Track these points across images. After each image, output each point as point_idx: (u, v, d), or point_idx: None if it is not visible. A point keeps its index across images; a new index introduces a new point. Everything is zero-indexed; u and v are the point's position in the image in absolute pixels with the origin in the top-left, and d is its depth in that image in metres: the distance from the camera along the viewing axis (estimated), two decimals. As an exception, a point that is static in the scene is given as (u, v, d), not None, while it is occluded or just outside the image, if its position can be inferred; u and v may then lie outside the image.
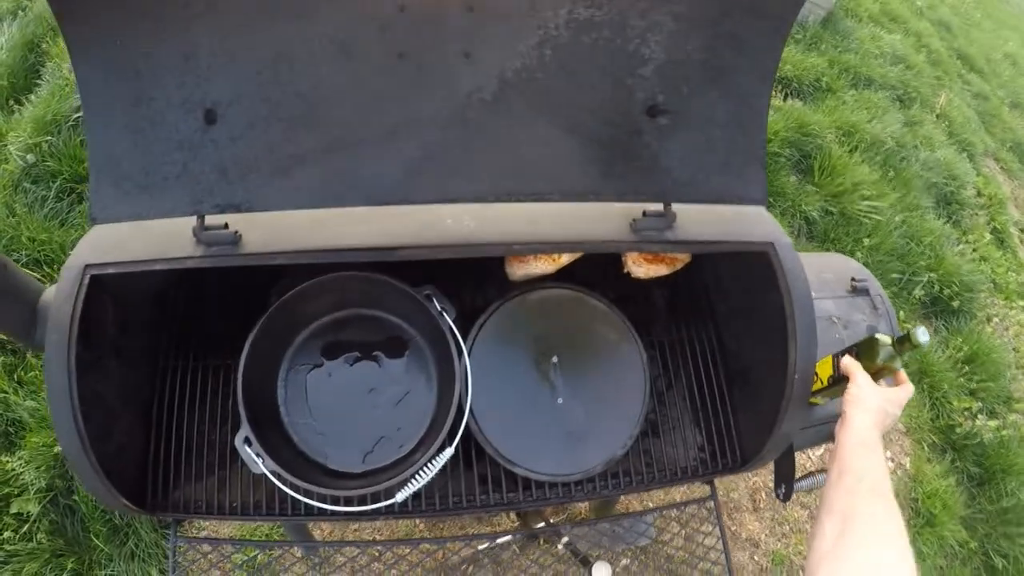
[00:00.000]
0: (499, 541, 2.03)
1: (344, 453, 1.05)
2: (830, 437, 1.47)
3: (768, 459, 1.13)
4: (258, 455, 0.94)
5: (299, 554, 1.53)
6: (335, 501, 0.97)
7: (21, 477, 2.06)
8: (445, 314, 0.99)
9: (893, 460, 2.82)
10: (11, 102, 3.09)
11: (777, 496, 1.37)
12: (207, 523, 2.05)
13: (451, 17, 0.76)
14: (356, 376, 1.08)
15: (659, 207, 0.97)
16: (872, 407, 0.99)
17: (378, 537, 2.16)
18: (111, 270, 0.89)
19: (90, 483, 0.93)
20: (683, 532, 1.37)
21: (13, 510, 2.03)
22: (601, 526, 1.80)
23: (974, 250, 3.80)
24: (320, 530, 2.09)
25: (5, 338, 2.42)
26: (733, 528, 2.40)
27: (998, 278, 3.83)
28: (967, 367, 3.13)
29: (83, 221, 2.64)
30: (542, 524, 2.02)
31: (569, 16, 0.80)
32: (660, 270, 1.23)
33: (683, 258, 1.25)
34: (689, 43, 0.87)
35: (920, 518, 2.70)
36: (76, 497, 2.05)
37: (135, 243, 0.91)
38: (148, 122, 0.82)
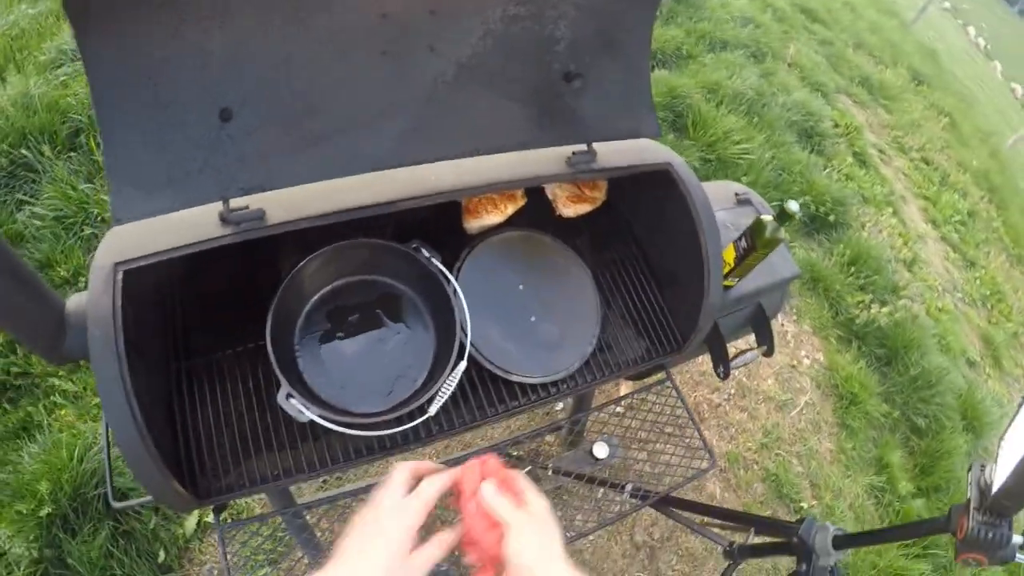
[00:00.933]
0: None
1: (368, 398, 1.21)
2: (745, 324, 1.79)
3: (703, 331, 1.41)
4: (303, 405, 1.08)
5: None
6: (372, 428, 1.14)
7: (7, 552, 1.99)
8: (433, 259, 1.21)
9: (808, 357, 3.22)
10: None
11: (717, 375, 1.66)
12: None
13: (419, 20, 0.99)
14: (361, 334, 1.26)
15: (583, 147, 1.24)
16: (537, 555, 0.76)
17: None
18: (143, 263, 0.97)
19: (150, 476, 0.97)
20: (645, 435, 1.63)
21: (5, 588, 1.98)
22: (577, 454, 2.05)
23: (840, 172, 4.33)
24: (301, 492, 2.19)
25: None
26: (686, 440, 2.72)
27: (865, 192, 4.38)
28: (853, 267, 3.61)
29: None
30: (529, 467, 2.26)
31: (503, 13, 1.06)
32: (585, 208, 1.51)
33: (600, 196, 1.53)
34: (588, 25, 1.16)
35: (844, 401, 3.11)
36: (71, 561, 2.01)
37: (158, 236, 1.00)
38: (166, 125, 0.91)
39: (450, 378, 1.16)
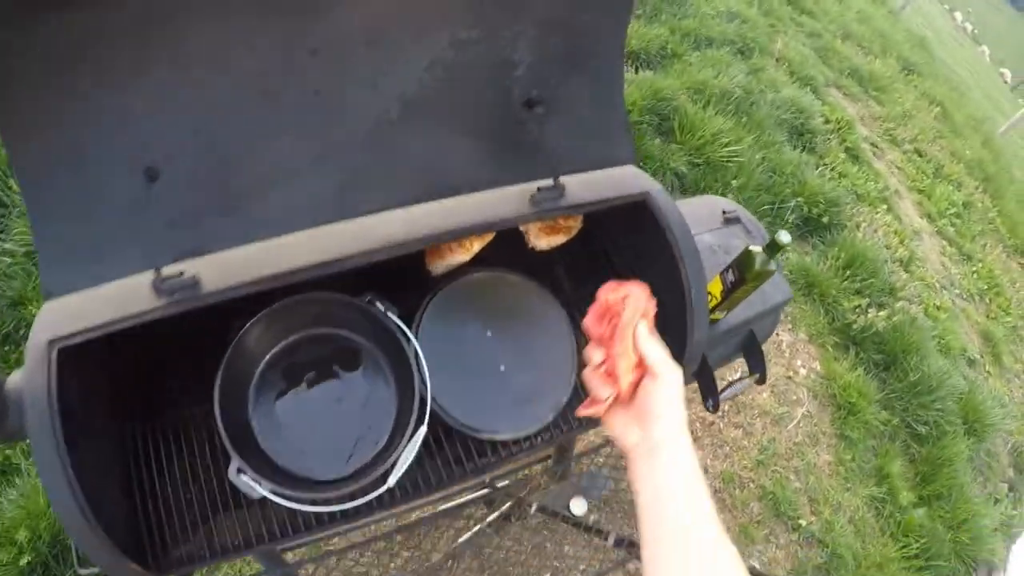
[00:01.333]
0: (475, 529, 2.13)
1: (328, 463, 1.12)
2: (736, 351, 1.69)
3: (688, 371, 1.31)
4: (255, 480, 1.00)
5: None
6: (328, 502, 1.06)
7: None
8: (389, 313, 1.11)
9: (804, 367, 3.13)
10: None
11: (707, 408, 1.57)
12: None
13: (354, 54, 0.89)
14: (319, 392, 1.16)
15: (549, 182, 1.13)
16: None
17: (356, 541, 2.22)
18: (77, 339, 0.90)
19: (102, 557, 0.92)
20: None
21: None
22: (563, 486, 1.96)
23: (832, 169, 4.23)
24: (293, 555, 2.09)
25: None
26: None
27: (859, 189, 4.28)
28: (848, 271, 3.51)
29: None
30: (510, 503, 2.16)
31: (452, 38, 0.96)
32: (559, 239, 1.40)
33: (576, 224, 1.42)
34: (550, 43, 1.05)
35: (842, 410, 3.02)
36: None
37: (93, 308, 0.93)
38: (90, 192, 0.86)
39: (409, 444, 1.05)
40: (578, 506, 1.44)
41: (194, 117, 0.87)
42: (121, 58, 0.79)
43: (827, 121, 4.76)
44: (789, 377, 3.03)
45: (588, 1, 1.05)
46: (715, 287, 1.39)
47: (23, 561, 1.99)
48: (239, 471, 1.00)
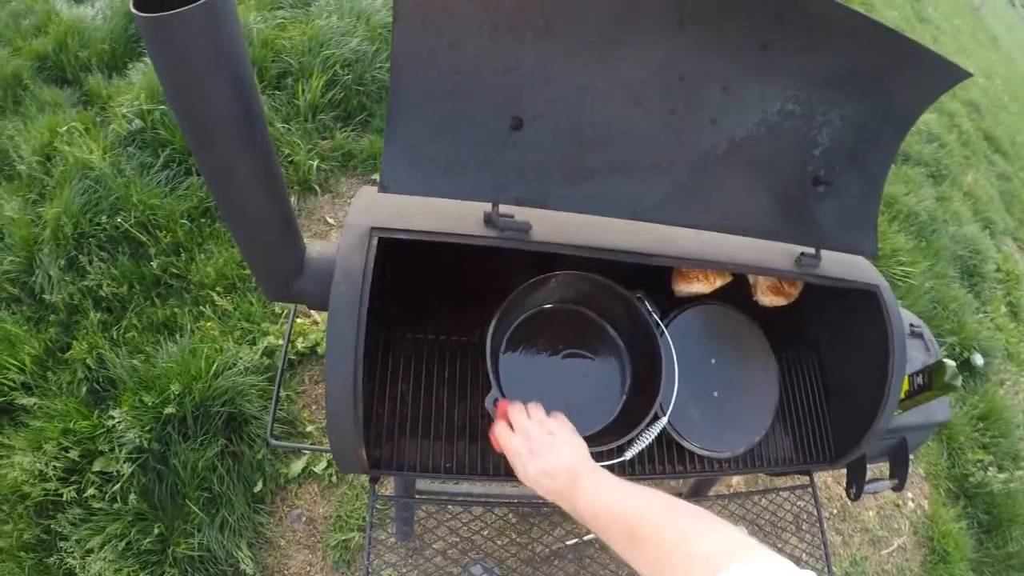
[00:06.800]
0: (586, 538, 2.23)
1: None
2: (884, 454, 1.78)
3: (861, 452, 1.44)
4: None
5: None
6: None
7: (114, 435, 2.06)
8: (654, 313, 1.27)
9: (914, 501, 3.10)
10: (111, 70, 3.16)
11: (848, 495, 1.67)
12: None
13: (711, 92, 1.05)
14: (557, 363, 1.31)
15: (812, 251, 1.29)
16: None
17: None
18: (401, 236, 1.03)
19: (347, 441, 1.02)
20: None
21: (96, 468, 2.02)
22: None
23: (991, 320, 4.13)
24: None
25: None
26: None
27: (1011, 347, 4.16)
28: (981, 423, 3.44)
29: (193, 192, 2.71)
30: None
31: (781, 107, 1.12)
32: (780, 301, 1.54)
33: (796, 293, 1.57)
34: (845, 136, 1.20)
35: (935, 555, 2.97)
36: (175, 462, 2.08)
37: (419, 217, 1.05)
38: (457, 116, 0.94)
39: (650, 428, 1.21)
40: None
41: (569, 93, 0.98)
42: (530, 16, 0.89)
43: (998, 270, 4.64)
44: (897, 505, 3.01)
45: (881, 114, 1.20)
46: (903, 385, 1.51)
47: (166, 410, 2.11)
48: (495, 402, 1.11)
